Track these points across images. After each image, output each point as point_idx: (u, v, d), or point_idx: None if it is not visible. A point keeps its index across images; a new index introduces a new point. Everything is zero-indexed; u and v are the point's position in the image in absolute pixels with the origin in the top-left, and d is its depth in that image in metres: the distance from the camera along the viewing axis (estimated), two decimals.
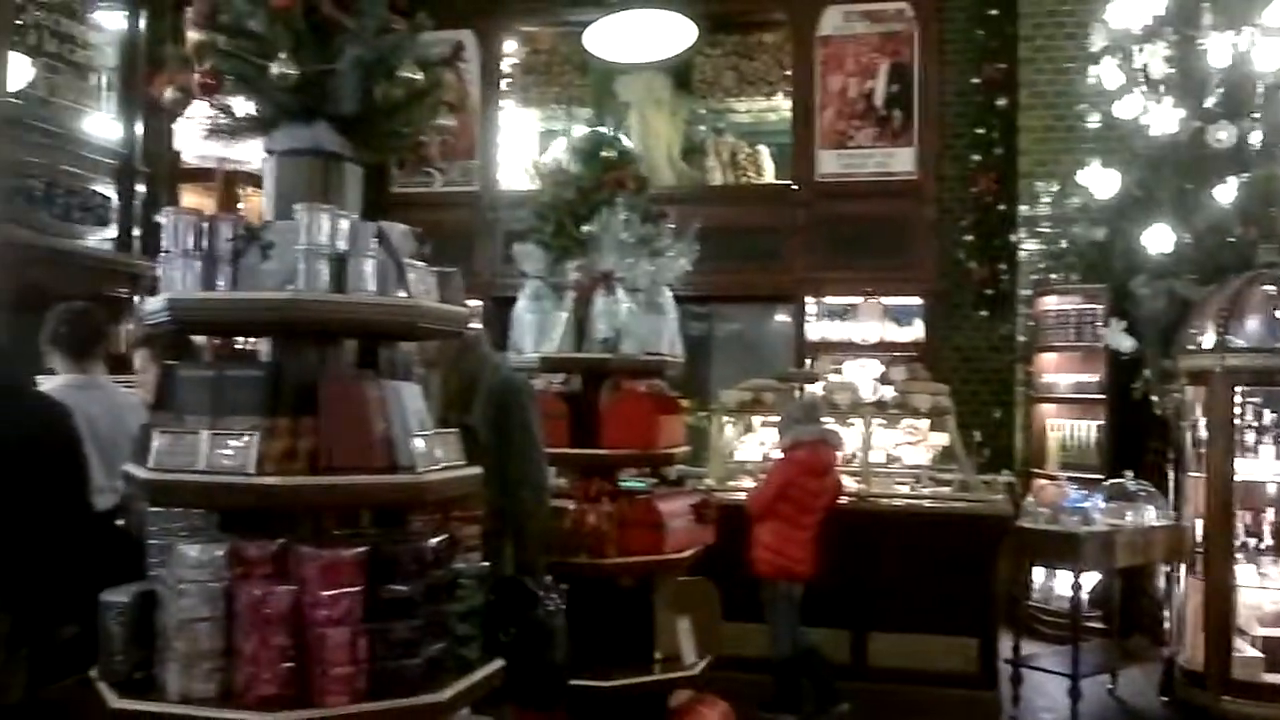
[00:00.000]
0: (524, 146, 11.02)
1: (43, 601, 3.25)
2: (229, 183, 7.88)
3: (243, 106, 2.58)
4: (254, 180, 8.33)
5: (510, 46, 10.85)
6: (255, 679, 2.27)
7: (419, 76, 2.55)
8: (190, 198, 8.53)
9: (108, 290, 7.40)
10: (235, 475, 2.29)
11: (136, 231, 7.96)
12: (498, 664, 2.69)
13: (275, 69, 2.39)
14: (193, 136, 6.59)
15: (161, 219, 2.41)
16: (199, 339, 4.71)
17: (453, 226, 9.41)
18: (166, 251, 2.47)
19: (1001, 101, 9.09)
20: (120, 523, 4.02)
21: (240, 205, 8.09)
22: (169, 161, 8.27)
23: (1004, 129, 9.10)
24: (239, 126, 2.58)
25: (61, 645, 3.35)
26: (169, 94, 2.54)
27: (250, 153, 6.59)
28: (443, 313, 2.62)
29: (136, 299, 7.77)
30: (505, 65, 10.71)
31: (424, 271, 2.60)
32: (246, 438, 2.30)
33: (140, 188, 8.05)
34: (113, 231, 7.87)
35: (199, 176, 8.42)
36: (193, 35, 2.61)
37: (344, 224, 2.45)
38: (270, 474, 2.30)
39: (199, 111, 2.72)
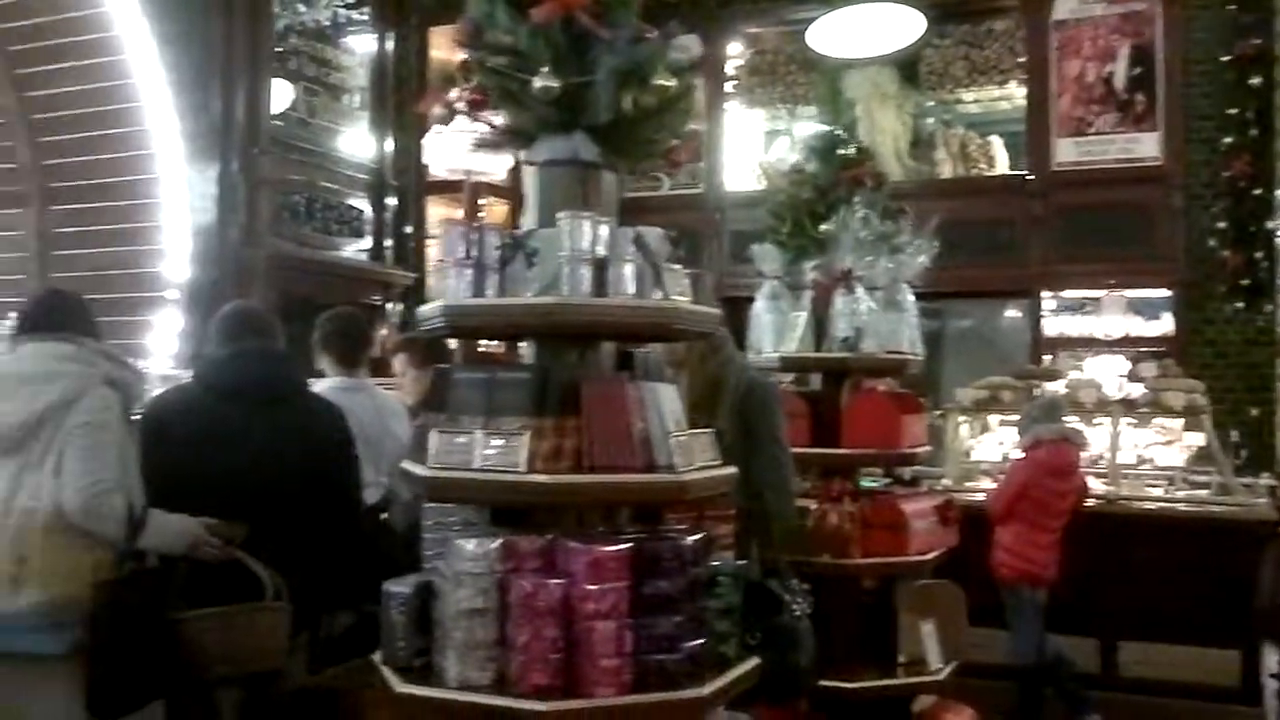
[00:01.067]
0: (749, 147, 11.05)
1: (320, 591, 3.45)
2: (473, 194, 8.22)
3: (503, 121, 2.70)
4: (495, 191, 8.70)
5: (735, 49, 10.90)
6: (528, 668, 2.37)
7: (672, 83, 2.60)
8: (436, 209, 8.96)
9: (363, 298, 7.87)
10: (508, 473, 2.39)
11: (388, 242, 8.44)
12: (754, 662, 2.72)
13: (538, 83, 2.48)
14: (441, 151, 6.95)
15: (435, 231, 2.54)
16: (451, 343, 4.98)
17: (680, 229, 9.52)
18: (440, 261, 2.61)
19: (1256, 80, 8.53)
20: (384, 516, 4.29)
21: (481, 215, 8.43)
22: (416, 175, 8.72)
23: (1259, 108, 8.54)
24: (501, 140, 2.69)
25: (337, 633, 3.59)
26: (436, 111, 2.67)
27: (492, 164, 6.88)
28: (698, 314, 2.67)
29: (389, 305, 8.24)
30: (730, 67, 10.76)
31: (678, 274, 2.66)
32: (517, 437, 2.40)
33: (390, 201, 8.52)
34: (367, 243, 8.37)
35: (444, 189, 8.83)
36: (457, 55, 2.74)
37: (603, 230, 2.52)
38: (540, 472, 2.39)
39: (451, 127, 2.87)
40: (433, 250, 8.97)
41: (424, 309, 2.70)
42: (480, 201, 8.61)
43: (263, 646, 3.23)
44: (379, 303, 8.20)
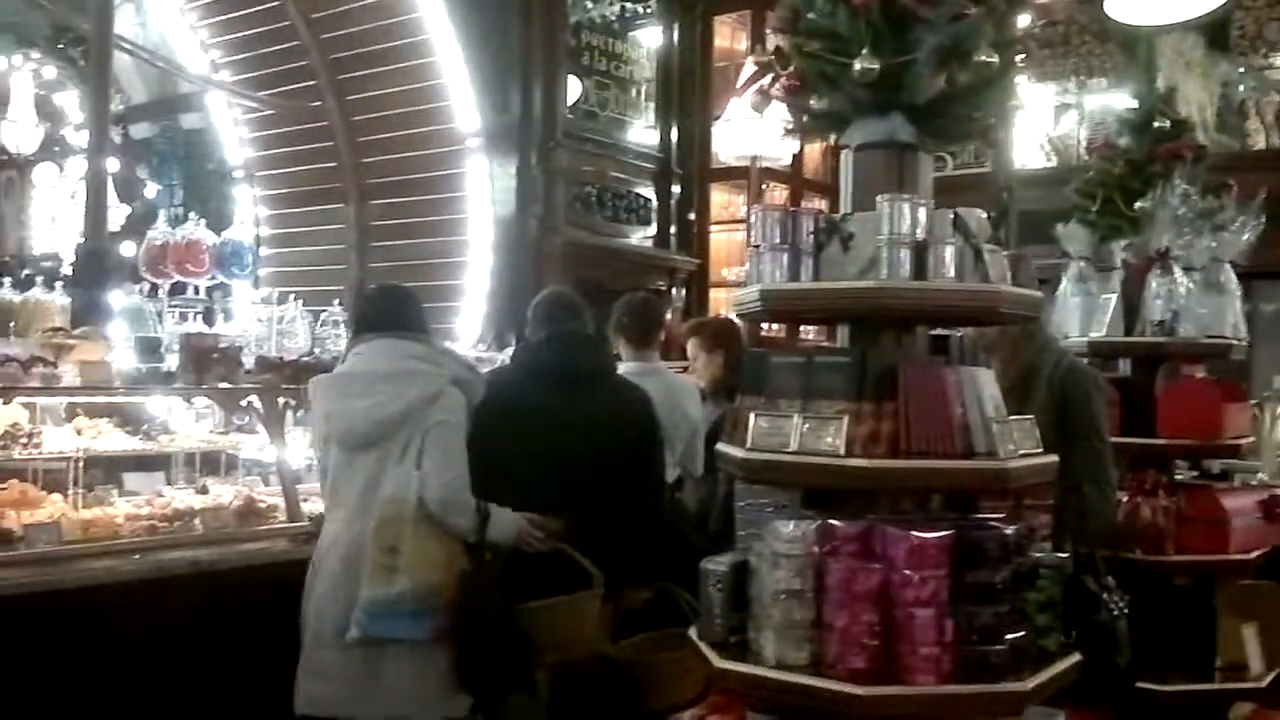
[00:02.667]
0: (1037, 123, 10.57)
1: (625, 568, 3.56)
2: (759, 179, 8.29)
3: (819, 104, 2.70)
4: (777, 176, 8.72)
5: (1024, 20, 10.44)
6: (845, 652, 2.37)
7: (994, 60, 2.53)
8: (719, 195, 9.06)
9: (649, 283, 8.06)
10: (826, 457, 2.40)
11: (672, 229, 8.61)
12: (1075, 658, 2.62)
13: (857, 65, 2.47)
14: (726, 138, 7.01)
15: (751, 216, 2.57)
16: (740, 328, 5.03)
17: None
18: (755, 246, 2.64)
19: None
20: (677, 495, 4.39)
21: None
22: (700, 163, 8.85)
23: None
24: (817, 125, 2.70)
25: (636, 606, 3.70)
26: (753, 99, 2.70)
27: (776, 150, 6.87)
28: (1020, 297, 2.59)
29: (673, 290, 8.40)
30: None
31: (998, 256, 2.59)
32: (835, 421, 2.41)
33: (675, 188, 8.69)
34: (652, 230, 8.56)
35: (726, 175, 8.93)
36: (739, 43, 2.76)
37: (922, 212, 2.49)
38: (857, 456, 2.39)
39: (736, 114, 2.89)
40: (715, 236, 9.09)
41: (740, 293, 2.74)
42: (762, 187, 8.66)
43: (586, 633, 3.39)
44: (664, 288, 8.38)
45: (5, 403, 3.86)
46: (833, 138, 2.80)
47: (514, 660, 3.26)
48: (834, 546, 2.43)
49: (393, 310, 3.60)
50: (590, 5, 8.29)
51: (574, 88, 8.19)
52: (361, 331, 3.58)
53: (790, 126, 2.76)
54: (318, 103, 7.91)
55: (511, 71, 7.58)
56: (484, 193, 7.43)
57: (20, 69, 10.70)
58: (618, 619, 3.66)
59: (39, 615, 3.48)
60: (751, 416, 2.55)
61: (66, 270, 6.71)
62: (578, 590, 3.38)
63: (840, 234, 2.56)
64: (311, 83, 7.91)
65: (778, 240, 2.58)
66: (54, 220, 11.73)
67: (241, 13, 8.00)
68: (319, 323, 5.66)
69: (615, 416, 3.65)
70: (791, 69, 2.62)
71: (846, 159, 2.72)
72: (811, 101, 2.70)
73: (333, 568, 3.32)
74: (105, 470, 4.38)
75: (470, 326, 7.41)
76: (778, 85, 2.65)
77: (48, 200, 11.88)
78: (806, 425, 2.45)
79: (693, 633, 2.70)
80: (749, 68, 7.71)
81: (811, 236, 2.58)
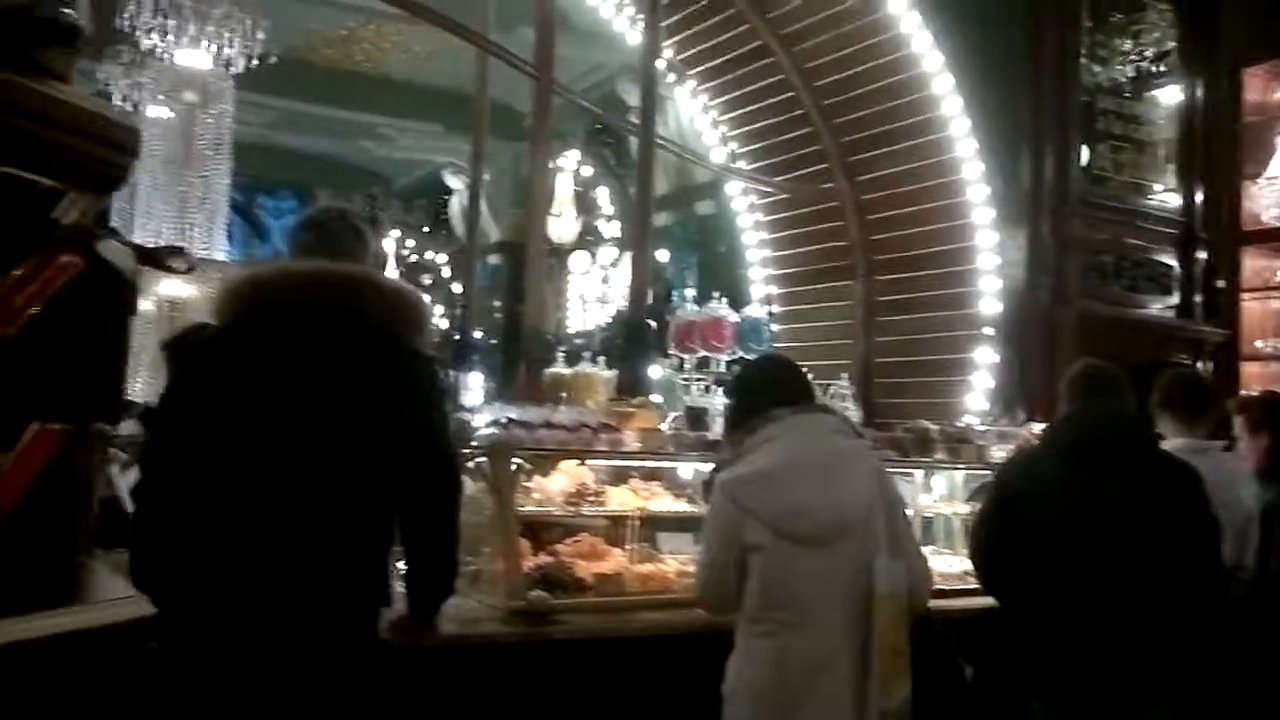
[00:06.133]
0: None
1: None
2: None
3: None
4: None
5: None
6: None
7: None
8: (1252, 260, 8.34)
9: (1170, 356, 7.56)
10: None
11: (1197, 298, 8.03)
12: None
13: None
14: (1262, 197, 6.44)
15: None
16: None
17: None
18: None
19: None
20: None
21: None
22: (1229, 226, 8.21)
23: None
24: None
25: None
26: None
27: None
28: None
29: (1198, 364, 7.81)
30: None
31: None
32: None
33: (1200, 254, 8.11)
34: (1175, 299, 8.03)
35: (1261, 238, 8.20)
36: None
37: None
38: None
39: (1274, 171, 2.61)
40: (1247, 304, 8.34)
41: None
42: None
43: None
44: (1187, 361, 7.81)
45: (580, 464, 4.36)
46: None
47: None
48: None
49: (798, 381, 3.36)
50: (1097, 69, 8.01)
51: (1088, 153, 7.92)
52: (766, 408, 3.22)
53: None
54: (829, 184, 8.24)
55: (1021, 140, 7.48)
56: (993, 265, 7.35)
57: (563, 169, 12.07)
58: None
59: (605, 659, 3.86)
60: None
61: (597, 347, 7.39)
62: None
63: None
64: (823, 166, 8.26)
65: None
66: (585, 302, 13.06)
67: (759, 105, 8.55)
68: (828, 395, 5.82)
69: (1156, 497, 3.35)
70: None
71: None
72: None
73: (833, 686, 2.99)
74: (642, 528, 4.78)
75: (979, 401, 7.33)
76: None
77: (581, 284, 13.26)
78: None
79: None
80: None
81: None
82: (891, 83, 7.59)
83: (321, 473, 2.67)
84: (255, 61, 7.61)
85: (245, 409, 2.67)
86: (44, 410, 1.08)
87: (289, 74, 9.08)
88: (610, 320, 12.18)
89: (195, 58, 7.23)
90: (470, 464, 3.99)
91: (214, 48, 7.31)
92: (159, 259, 1.22)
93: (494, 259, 14.58)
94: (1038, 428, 5.47)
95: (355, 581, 2.73)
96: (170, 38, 6.93)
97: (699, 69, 8.82)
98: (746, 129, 8.83)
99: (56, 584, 1.18)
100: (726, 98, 8.81)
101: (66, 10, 0.99)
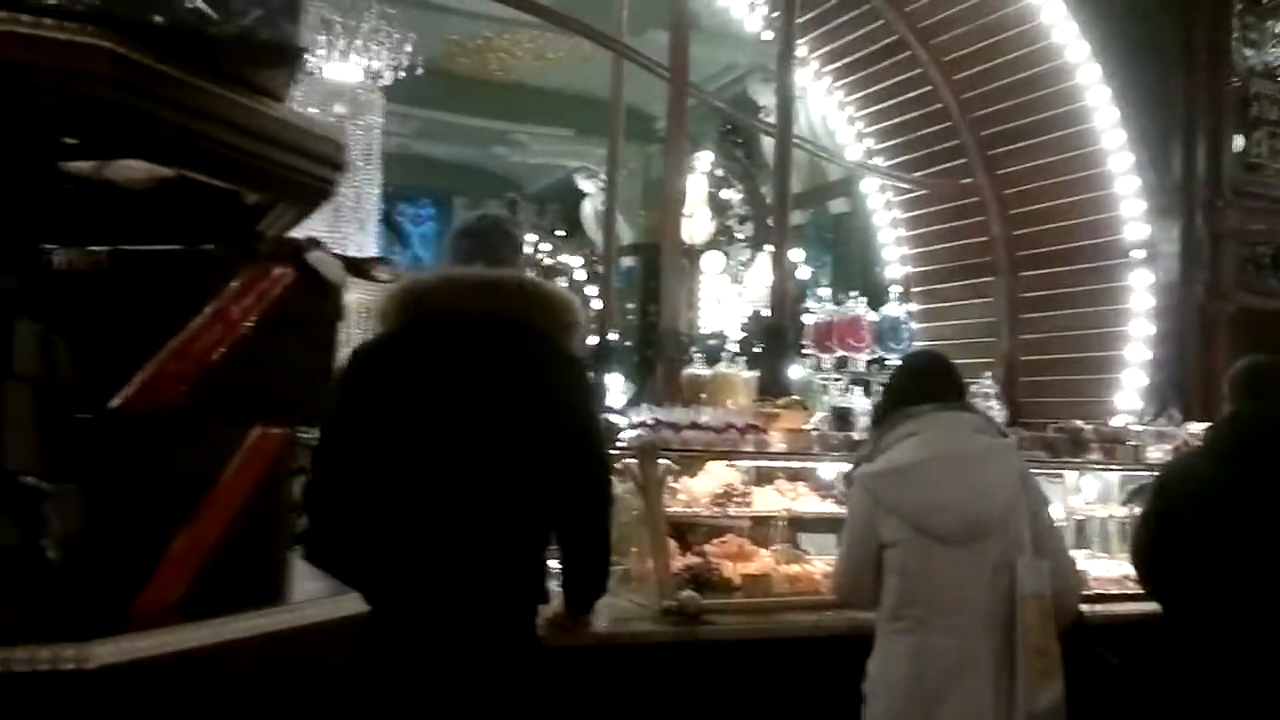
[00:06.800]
0: None
1: None
2: None
3: None
4: None
5: None
6: None
7: None
8: None
9: None
10: None
11: None
12: None
13: None
14: None
15: None
16: None
17: None
18: None
19: None
20: None
21: None
22: None
23: None
24: None
25: None
26: None
27: None
28: None
29: None
30: None
31: None
32: None
33: None
34: None
35: None
36: None
37: None
38: None
39: None
40: None
41: None
42: None
43: None
44: None
45: (728, 464, 4.37)
46: None
47: None
48: None
49: (945, 378, 3.31)
50: (1249, 53, 7.68)
51: (1242, 141, 7.61)
52: (905, 405, 3.24)
53: None
54: (968, 179, 8.08)
55: (1172, 129, 7.22)
56: (1144, 259, 7.12)
57: (695, 170, 12.10)
58: None
59: (753, 660, 3.87)
60: None
61: (731, 347, 7.36)
62: None
63: None
64: (962, 160, 8.10)
65: None
66: (719, 302, 13.06)
67: (896, 100, 8.44)
68: (970, 395, 5.70)
69: None
70: None
71: None
72: None
73: (975, 684, 2.96)
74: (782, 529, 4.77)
75: (1129, 399, 7.10)
76: None
77: (713, 284, 13.27)
78: None
79: None
80: None
81: None
82: (1034, 74, 7.40)
83: (486, 474, 2.74)
84: (401, 73, 7.82)
85: (412, 413, 2.76)
86: (260, 418, 1.15)
87: (429, 84, 9.28)
88: (746, 320, 12.16)
89: (345, 71, 7.48)
90: (618, 465, 4.05)
91: (363, 61, 7.55)
92: (365, 268, 1.28)
93: (627, 261, 14.69)
94: (1196, 428, 5.29)
95: (517, 580, 2.80)
96: (321, 52, 7.18)
97: (834, 66, 8.75)
98: (883, 125, 8.72)
99: (267, 583, 1.25)
100: (862, 94, 8.72)
101: (288, 29, 1.05)
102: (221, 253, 1.23)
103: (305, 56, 1.16)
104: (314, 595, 1.34)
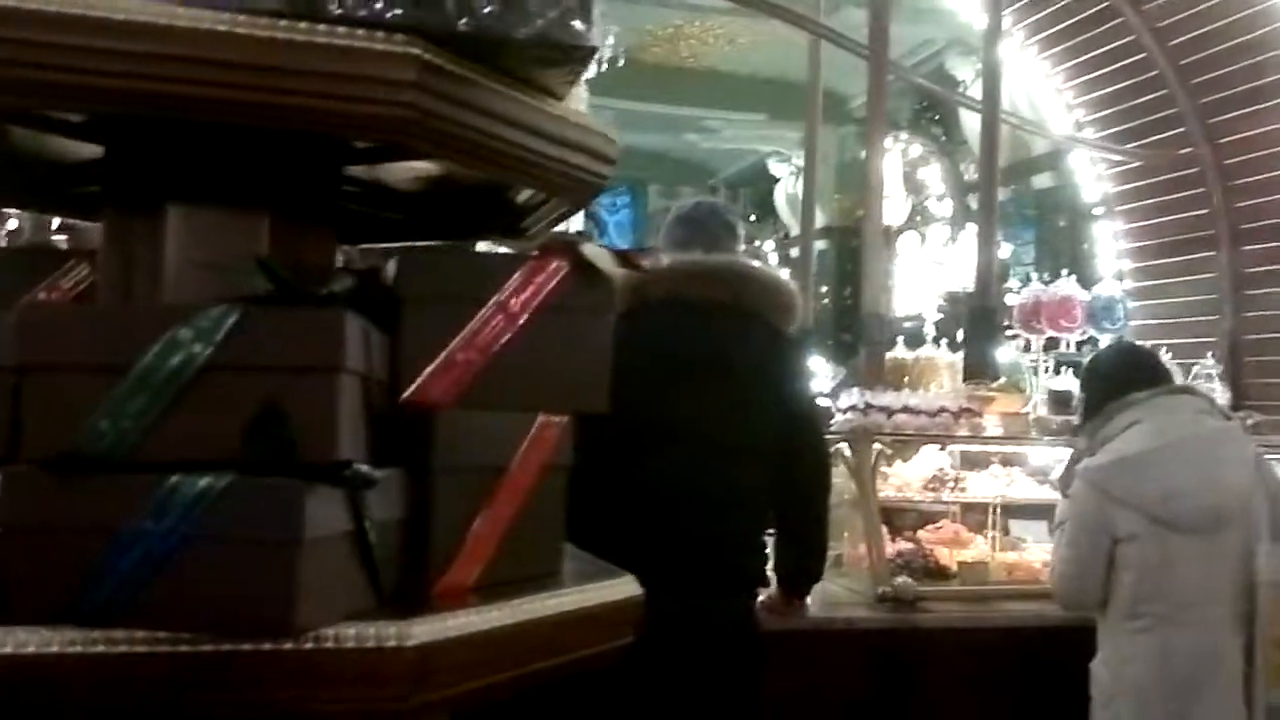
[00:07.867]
0: None
1: None
2: None
3: None
4: None
5: None
6: None
7: None
8: None
9: None
10: None
11: None
12: None
13: None
14: None
15: None
16: None
17: None
18: None
19: None
20: None
21: None
22: None
23: None
24: None
25: None
26: None
27: None
28: None
29: None
30: None
31: None
32: None
33: None
34: None
35: None
36: None
37: None
38: None
39: None
40: None
41: None
42: None
43: None
44: None
45: (941, 449, 4.30)
46: None
47: None
48: None
49: (1156, 366, 3.22)
50: None
51: None
52: (1118, 395, 3.12)
53: None
54: (1187, 149, 7.67)
55: None
56: None
57: (891, 150, 11.88)
58: None
59: (969, 647, 3.80)
60: None
61: (929, 330, 7.21)
62: None
63: None
64: (1180, 130, 7.70)
65: None
66: (915, 284, 12.80)
67: (1107, 69, 8.07)
68: (1190, 377, 5.44)
69: None
70: None
71: None
72: None
73: (1225, 681, 2.88)
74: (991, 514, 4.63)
75: None
76: None
77: (910, 265, 13.01)
78: None
79: None
80: None
81: None
82: (1257, 36, 6.97)
83: (709, 457, 2.79)
84: (604, 66, 7.95)
85: (640, 398, 2.82)
86: (540, 407, 1.21)
87: (624, 74, 9.39)
88: (945, 301, 11.88)
89: None
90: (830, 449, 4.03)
91: None
92: (632, 259, 1.32)
93: (820, 244, 14.54)
94: None
95: (741, 564, 2.83)
96: None
97: (1040, 36, 8.43)
98: (1093, 95, 8.36)
99: (549, 567, 1.32)
100: (1071, 64, 8.36)
101: (582, 30, 1.09)
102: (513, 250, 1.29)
103: (595, 55, 1.20)
104: (585, 576, 1.41)
